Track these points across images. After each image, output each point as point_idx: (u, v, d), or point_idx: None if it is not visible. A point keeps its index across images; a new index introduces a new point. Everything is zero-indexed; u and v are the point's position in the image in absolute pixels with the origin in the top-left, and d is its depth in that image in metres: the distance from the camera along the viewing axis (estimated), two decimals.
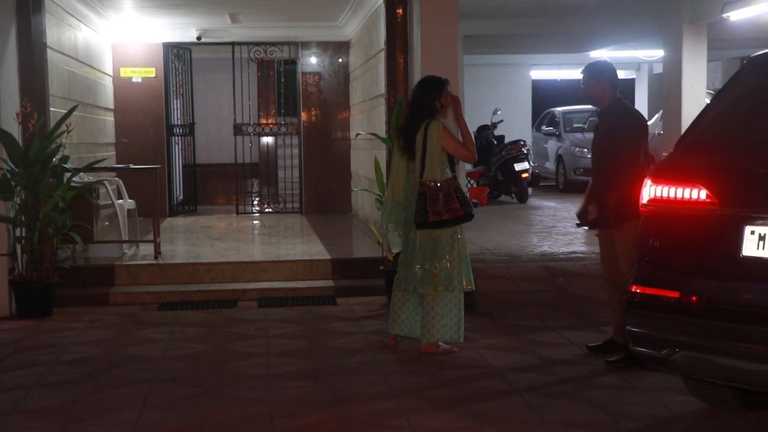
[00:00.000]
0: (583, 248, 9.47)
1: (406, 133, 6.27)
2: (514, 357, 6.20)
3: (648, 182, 4.56)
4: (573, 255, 9.08)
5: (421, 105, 6.23)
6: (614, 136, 5.79)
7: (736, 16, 10.75)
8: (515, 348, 6.44)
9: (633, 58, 19.52)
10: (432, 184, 6.13)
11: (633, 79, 22.11)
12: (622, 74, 21.46)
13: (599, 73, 5.98)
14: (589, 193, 6.05)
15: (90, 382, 5.70)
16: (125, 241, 9.50)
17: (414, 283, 6.25)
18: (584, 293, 7.84)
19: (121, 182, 10.20)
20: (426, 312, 6.25)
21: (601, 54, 16.95)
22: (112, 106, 12.99)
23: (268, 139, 14.98)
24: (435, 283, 6.17)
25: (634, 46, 16.46)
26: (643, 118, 6.12)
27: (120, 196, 10.11)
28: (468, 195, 14.31)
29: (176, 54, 13.50)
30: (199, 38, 13.12)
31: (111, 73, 13.00)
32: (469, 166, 15.94)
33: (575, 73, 20.78)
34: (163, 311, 7.85)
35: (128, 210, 9.86)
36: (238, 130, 13.60)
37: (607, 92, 5.95)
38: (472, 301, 7.82)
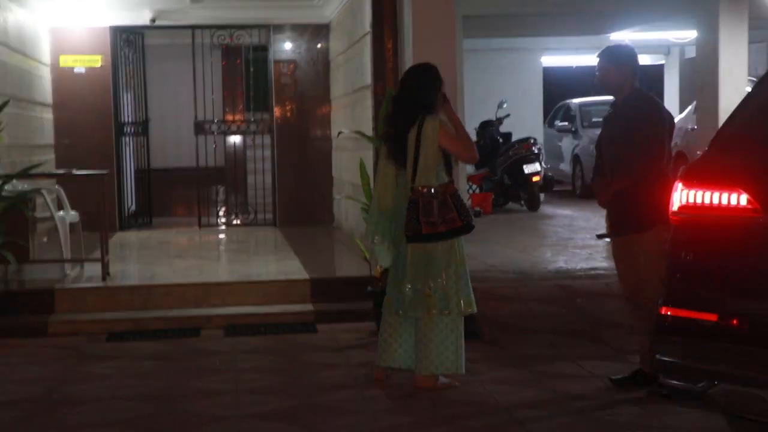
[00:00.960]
0: (604, 264, 9.48)
1: (395, 132, 6.25)
2: (525, 392, 6.19)
3: (679, 186, 4.57)
4: (593, 272, 9.09)
5: (413, 99, 6.18)
6: (635, 130, 5.84)
7: None
8: (526, 381, 6.44)
9: (661, 41, 19.61)
10: (425, 190, 6.10)
11: (662, 66, 22.21)
12: (648, 59, 21.64)
13: (619, 58, 6.05)
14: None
15: (26, 427, 5.66)
16: (67, 261, 9.46)
17: (404, 305, 6.24)
18: (607, 316, 7.85)
19: (62, 191, 10.16)
20: (420, 340, 6.24)
21: (624, 36, 17.04)
22: (50, 101, 12.97)
23: (235, 139, 14.97)
24: (428, 306, 6.14)
25: (662, 27, 16.55)
26: (668, 111, 6.17)
27: (61, 207, 10.08)
28: (469, 202, 14.50)
29: (126, 39, 13.49)
30: (153, 21, 13.12)
31: (48, 63, 12.98)
32: (470, 169, 15.96)
33: (594, 59, 20.86)
34: (113, 342, 7.81)
35: (71, 223, 9.83)
36: (199, 128, 13.59)
37: (627, 80, 6.01)
38: (474, 327, 7.82)
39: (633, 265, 5.99)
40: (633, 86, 6.01)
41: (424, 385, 6.22)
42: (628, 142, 5.87)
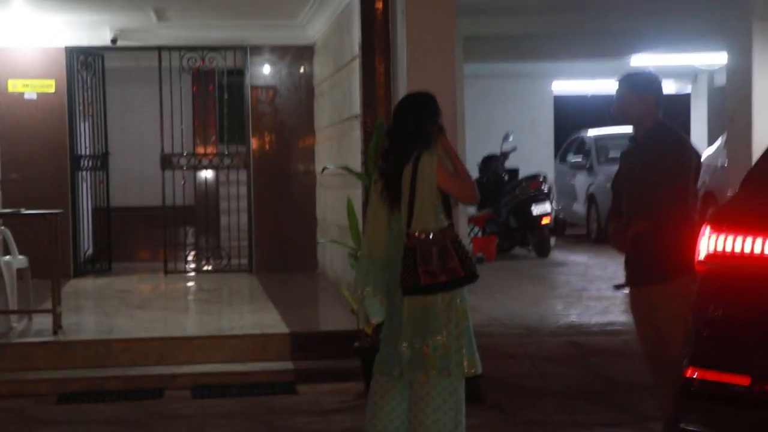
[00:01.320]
0: (622, 318, 9.48)
1: (389, 169, 6.19)
2: None
3: (707, 230, 4.58)
4: (610, 327, 9.09)
5: (408, 133, 6.12)
6: (658, 169, 5.83)
7: None
8: None
9: (687, 67, 19.72)
10: (422, 236, 5.99)
11: (688, 95, 22.33)
12: (672, 87, 21.76)
13: (641, 86, 6.06)
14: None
15: None
16: (13, 312, 9.43)
17: (400, 365, 6.20)
18: (624, 377, 7.83)
19: (8, 232, 10.14)
20: (415, 404, 6.19)
21: (645, 60, 17.15)
22: None
23: (206, 174, 15.01)
24: (426, 366, 6.06)
25: (688, 50, 16.65)
26: (695, 147, 6.15)
27: (7, 251, 10.06)
28: (470, 247, 14.51)
29: (84, 62, 13.54)
30: (114, 41, 13.17)
31: None
32: (471, 210, 15.98)
33: (611, 86, 20.98)
34: (65, 405, 7.77)
35: (18, 269, 9.80)
36: (166, 162, 13.60)
37: (650, 111, 6.02)
38: (476, 389, 7.79)
39: (653, 320, 5.98)
40: (656, 118, 6.02)
41: None
42: (649, 180, 5.86)
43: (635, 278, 6.08)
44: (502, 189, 16.08)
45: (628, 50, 16.42)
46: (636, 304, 6.14)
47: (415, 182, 5.98)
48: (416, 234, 5.98)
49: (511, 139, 16.80)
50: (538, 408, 7.39)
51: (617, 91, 6.13)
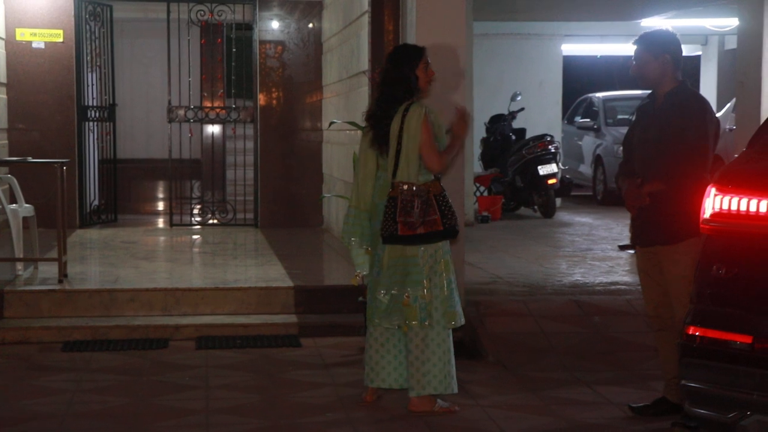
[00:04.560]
0: (627, 278, 9.51)
1: (378, 120, 6.34)
2: (533, 419, 6.21)
3: (712, 191, 4.60)
4: (613, 287, 9.12)
5: (394, 82, 6.30)
6: (680, 133, 5.79)
7: None
8: (535, 408, 6.46)
9: (698, 29, 19.62)
10: (406, 186, 6.14)
11: (698, 57, 22.25)
12: (684, 50, 21.67)
13: (660, 46, 5.99)
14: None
15: None
16: (19, 260, 9.47)
17: (378, 313, 6.26)
18: (627, 337, 7.87)
19: (15, 181, 10.17)
20: (409, 357, 6.27)
21: (656, 23, 17.04)
22: (4, 80, 12.98)
23: (213, 129, 15.00)
24: (406, 316, 6.16)
25: (699, 13, 16.58)
26: (714, 114, 6.11)
27: (13, 200, 10.09)
28: (476, 206, 14.54)
29: (92, 12, 13.51)
30: None
31: (3, 36, 12.99)
32: (478, 169, 16.01)
33: (621, 48, 20.92)
34: (69, 352, 7.82)
35: (24, 218, 9.84)
36: (173, 115, 13.61)
37: (668, 72, 5.98)
38: (478, 345, 7.85)
39: (659, 281, 6.00)
40: (676, 79, 5.98)
41: (420, 409, 6.23)
42: (668, 144, 5.82)
43: (644, 238, 6.05)
44: (509, 149, 16.08)
45: (639, 13, 16.35)
46: (643, 264, 6.15)
47: (402, 133, 6.13)
48: (400, 184, 6.14)
49: (519, 99, 16.76)
50: (541, 365, 7.43)
51: (635, 52, 6.06)
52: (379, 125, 6.32)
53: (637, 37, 6.13)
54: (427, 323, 6.14)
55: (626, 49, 20.87)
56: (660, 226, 5.88)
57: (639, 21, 16.58)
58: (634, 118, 6.35)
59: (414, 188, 6.14)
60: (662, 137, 5.87)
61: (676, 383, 5.65)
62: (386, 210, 6.16)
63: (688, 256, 5.62)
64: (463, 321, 6.34)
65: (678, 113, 5.84)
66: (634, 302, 8.34)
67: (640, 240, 6.12)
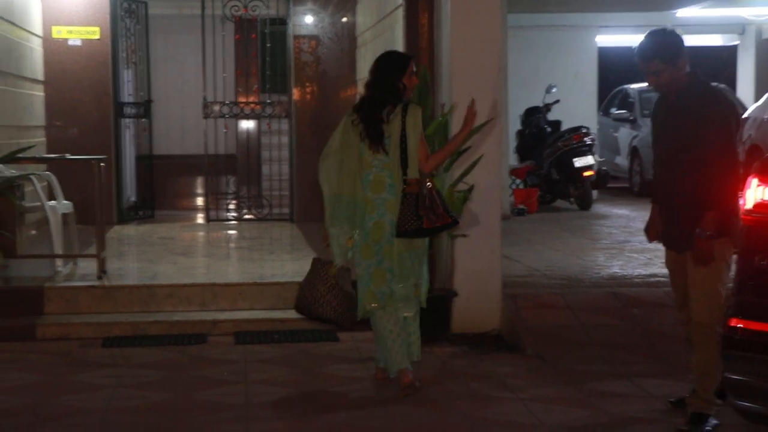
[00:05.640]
0: (665, 270, 9.41)
1: (369, 116, 6.62)
2: (573, 413, 6.20)
3: (754, 182, 4.57)
4: (652, 279, 9.07)
5: (383, 88, 6.65)
6: (704, 127, 5.59)
7: None
8: (574, 401, 6.44)
9: (735, 18, 19.50)
10: (419, 184, 6.59)
11: (735, 47, 22.08)
12: (720, 39, 21.53)
13: (675, 53, 5.73)
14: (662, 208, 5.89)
15: None
16: (59, 256, 9.53)
17: (394, 301, 6.64)
18: (666, 329, 7.82)
19: (54, 178, 10.23)
20: (414, 332, 6.84)
21: (692, 12, 16.97)
22: (41, 78, 13.07)
23: (248, 124, 15.04)
24: (418, 301, 6.82)
25: (736, 2, 16.46)
26: (731, 101, 5.94)
27: (52, 197, 10.15)
28: (511, 198, 14.50)
29: (127, 9, 13.57)
30: None
31: (40, 33, 13.07)
32: (513, 161, 15.95)
33: None
34: (109, 348, 7.87)
35: (63, 214, 9.89)
36: (209, 111, 13.65)
37: (683, 71, 5.77)
38: (516, 338, 7.84)
39: (685, 280, 5.85)
40: (690, 73, 5.78)
41: (408, 381, 6.56)
42: (695, 139, 5.61)
43: (675, 243, 5.89)
44: (544, 141, 16.01)
45: (674, 3, 16.27)
46: (671, 264, 6.04)
47: (406, 131, 6.54)
48: (414, 181, 6.61)
49: (554, 91, 16.69)
50: (579, 358, 7.41)
51: (647, 66, 5.75)
52: (372, 122, 6.60)
53: (643, 51, 5.79)
54: (423, 303, 6.86)
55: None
56: (689, 233, 5.65)
57: (674, 11, 16.51)
58: (651, 120, 6.16)
59: (428, 185, 6.63)
60: (689, 132, 5.68)
61: (710, 375, 5.61)
62: (404, 206, 6.55)
63: (718, 257, 5.51)
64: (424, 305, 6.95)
65: (698, 106, 5.67)
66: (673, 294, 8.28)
67: (670, 243, 5.96)
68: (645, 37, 5.83)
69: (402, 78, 6.63)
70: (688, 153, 5.66)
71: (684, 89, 5.76)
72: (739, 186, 5.55)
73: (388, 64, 6.73)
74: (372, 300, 6.61)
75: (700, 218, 5.54)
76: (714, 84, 5.96)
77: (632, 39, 22.74)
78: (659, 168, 5.97)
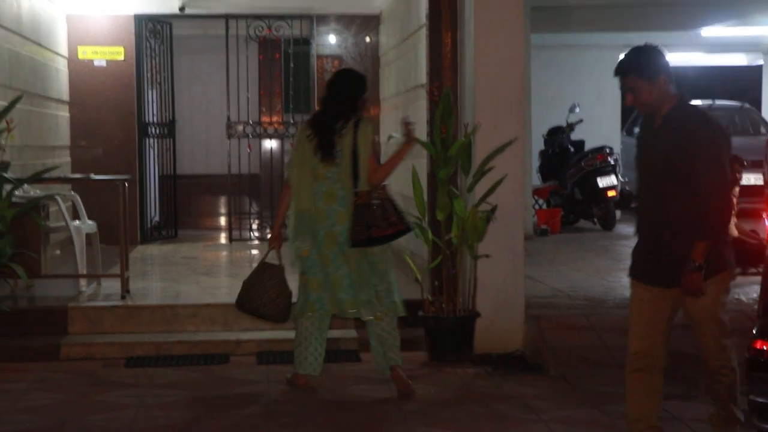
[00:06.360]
0: None
1: (325, 129, 6.98)
2: None
3: None
4: None
5: (345, 101, 7.04)
6: (693, 151, 5.29)
7: None
8: (598, 423, 6.43)
9: (759, 38, 19.44)
10: (369, 194, 6.98)
11: (760, 66, 22.02)
12: (744, 59, 21.46)
13: (654, 69, 5.42)
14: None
15: None
16: (83, 276, 9.57)
17: (335, 307, 7.08)
18: (690, 350, 7.73)
19: (78, 198, 10.29)
20: (385, 339, 7.15)
21: (716, 32, 16.94)
22: (66, 98, 13.15)
23: (271, 143, 15.07)
24: (380, 306, 7.11)
25: (760, 21, 16.41)
26: (723, 127, 5.64)
27: (76, 216, 10.20)
28: (534, 219, 14.47)
29: (152, 30, 13.65)
30: (182, 9, 13.27)
31: (66, 54, 13.16)
32: (536, 181, 15.92)
33: (680, 58, 20.73)
34: (132, 368, 7.90)
35: (87, 234, 9.95)
36: (232, 130, 13.70)
37: (667, 91, 5.44)
38: (539, 359, 7.82)
39: (664, 317, 5.62)
40: (676, 95, 5.46)
41: (400, 376, 7.09)
42: (685, 166, 5.29)
43: (662, 278, 5.52)
44: (567, 161, 15.98)
45: (699, 22, 16.25)
46: (646, 295, 5.65)
47: (357, 145, 6.97)
48: (365, 193, 6.98)
49: (577, 110, 16.67)
50: (603, 379, 7.37)
51: (625, 82, 5.45)
52: (324, 135, 6.98)
53: (619, 65, 5.49)
54: (392, 307, 7.15)
55: (686, 58, 20.73)
56: (681, 263, 5.36)
57: (699, 30, 16.47)
58: (636, 146, 5.81)
59: (381, 194, 7.04)
60: (670, 168, 5.37)
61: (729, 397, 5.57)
62: (356, 217, 6.92)
63: (717, 294, 5.40)
64: (403, 312, 7.30)
65: (687, 131, 5.34)
66: None
67: (654, 278, 5.57)
68: (626, 53, 5.56)
69: (363, 95, 7.13)
70: (677, 179, 5.34)
71: (670, 112, 5.43)
72: (730, 214, 5.47)
73: (354, 80, 7.16)
74: (310, 309, 7.08)
75: (685, 249, 5.30)
76: (703, 110, 5.63)
77: None
78: (645, 196, 5.61)
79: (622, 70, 5.45)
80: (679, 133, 5.35)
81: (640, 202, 5.66)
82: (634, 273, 5.68)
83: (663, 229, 5.45)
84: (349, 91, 7.09)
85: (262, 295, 7.41)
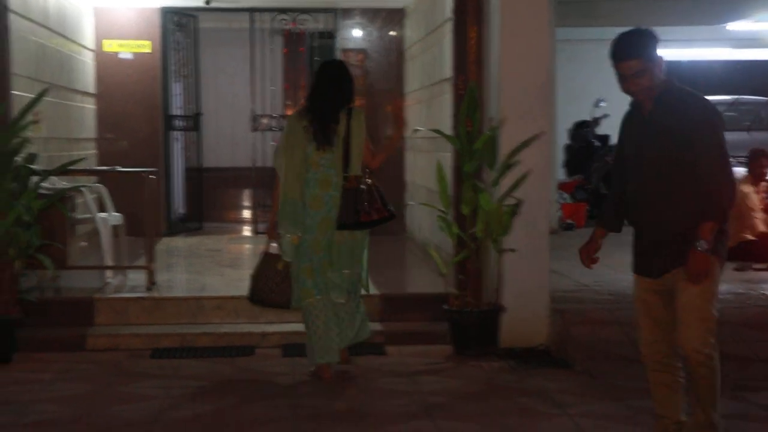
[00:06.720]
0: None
1: (324, 116, 7.19)
2: (622, 429, 6.17)
3: None
4: None
5: (344, 88, 7.29)
6: (692, 132, 5.12)
7: None
8: (623, 417, 6.41)
9: None
10: (359, 180, 7.19)
11: None
12: None
13: (654, 50, 5.25)
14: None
15: None
16: (109, 267, 9.62)
17: (332, 289, 7.25)
18: (718, 345, 7.75)
19: (104, 190, 10.34)
20: (351, 319, 7.40)
21: (744, 26, 16.85)
22: (93, 91, 13.21)
23: None
24: (360, 287, 7.45)
25: None
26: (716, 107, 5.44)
27: (103, 208, 10.24)
28: (559, 213, 14.43)
29: (178, 23, 13.69)
30: (208, 2, 13.30)
31: (92, 47, 13.21)
32: (562, 176, 15.88)
33: (706, 53, 20.64)
34: (158, 359, 7.94)
35: (113, 226, 9.99)
36: (257, 123, 13.72)
37: (659, 74, 5.26)
38: (564, 354, 7.81)
39: (669, 315, 5.46)
40: (666, 78, 5.29)
41: (328, 376, 7.27)
42: (683, 150, 5.16)
43: (651, 269, 5.53)
44: (592, 155, 15.95)
45: (725, 17, 16.16)
46: (645, 294, 5.66)
47: (351, 132, 7.22)
48: (354, 178, 7.20)
49: (603, 105, 16.64)
50: (628, 374, 7.34)
51: (629, 67, 5.22)
52: (323, 123, 7.17)
53: (624, 48, 5.26)
54: (365, 290, 7.55)
55: (712, 53, 20.62)
56: (677, 249, 5.31)
57: (725, 24, 16.39)
58: (619, 138, 5.67)
59: (368, 181, 7.23)
60: (669, 152, 5.21)
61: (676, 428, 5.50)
62: (345, 201, 7.15)
63: (708, 282, 5.23)
64: (368, 288, 7.71)
65: (682, 112, 5.18)
66: (725, 310, 8.18)
67: (647, 268, 5.62)
68: (618, 38, 5.33)
69: (354, 86, 7.40)
70: (677, 162, 5.18)
71: (660, 95, 5.26)
72: (735, 192, 5.30)
73: (347, 70, 7.43)
74: (308, 295, 7.22)
75: (690, 232, 5.17)
76: (693, 91, 5.34)
77: (681, 53, 22.72)
78: (635, 185, 5.47)
79: (627, 54, 5.21)
80: (673, 115, 5.19)
81: (630, 194, 5.57)
82: (634, 265, 5.72)
83: (661, 216, 5.36)
84: (347, 82, 7.34)
85: (268, 283, 7.46)
